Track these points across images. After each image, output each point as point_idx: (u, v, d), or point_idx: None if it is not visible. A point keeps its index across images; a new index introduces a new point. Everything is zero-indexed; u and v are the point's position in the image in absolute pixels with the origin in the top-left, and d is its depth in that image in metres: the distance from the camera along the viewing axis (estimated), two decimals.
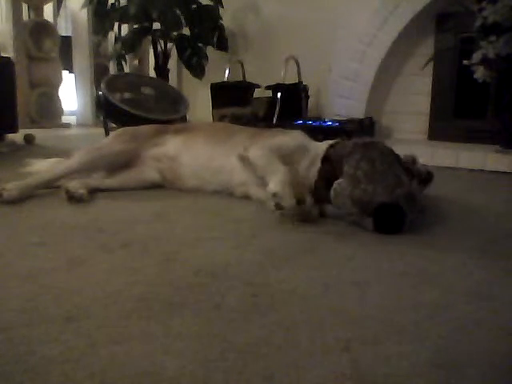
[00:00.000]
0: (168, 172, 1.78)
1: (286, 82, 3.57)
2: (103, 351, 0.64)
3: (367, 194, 1.20)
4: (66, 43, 5.66)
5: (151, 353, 0.64)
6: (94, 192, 1.64)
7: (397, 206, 1.18)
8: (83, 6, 4.85)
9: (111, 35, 5.03)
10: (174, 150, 1.79)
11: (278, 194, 1.27)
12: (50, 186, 1.62)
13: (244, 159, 1.56)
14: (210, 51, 4.68)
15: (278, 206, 1.27)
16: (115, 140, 1.84)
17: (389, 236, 1.20)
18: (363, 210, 1.21)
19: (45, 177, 1.63)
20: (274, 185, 1.31)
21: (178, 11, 4.41)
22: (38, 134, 3.72)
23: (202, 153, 1.73)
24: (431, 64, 3.25)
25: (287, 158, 1.50)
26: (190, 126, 1.98)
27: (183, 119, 3.35)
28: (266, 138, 1.61)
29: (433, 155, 2.83)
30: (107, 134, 3.20)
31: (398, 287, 0.89)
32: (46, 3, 5.29)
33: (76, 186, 1.55)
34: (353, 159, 1.28)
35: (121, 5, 4.65)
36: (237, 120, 3.37)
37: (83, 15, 5.44)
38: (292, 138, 1.61)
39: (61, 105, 5.37)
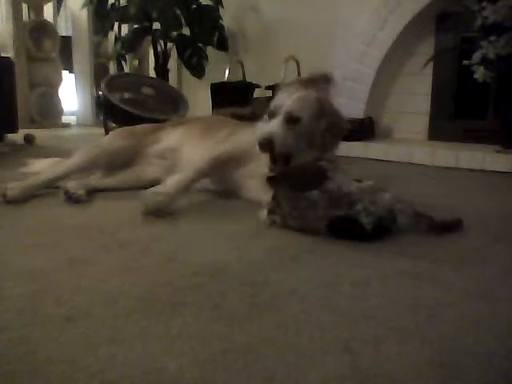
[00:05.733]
0: (171, 166, 1.79)
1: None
2: (103, 351, 0.64)
3: (310, 223, 1.20)
4: (66, 43, 5.66)
5: (151, 353, 0.64)
6: (93, 192, 1.64)
7: (332, 220, 1.16)
8: (83, 6, 4.85)
9: (111, 35, 5.04)
10: (174, 142, 1.82)
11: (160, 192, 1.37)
12: (51, 186, 1.62)
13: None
14: (210, 51, 4.68)
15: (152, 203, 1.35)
16: (114, 137, 1.86)
17: (388, 236, 1.20)
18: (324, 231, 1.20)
19: (47, 176, 1.63)
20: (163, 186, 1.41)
21: (177, 11, 4.41)
22: (38, 134, 3.72)
23: (194, 146, 1.76)
24: (431, 64, 3.25)
25: (243, 157, 1.57)
26: (187, 120, 2.02)
27: None
28: (224, 143, 1.65)
29: (433, 155, 2.83)
30: (107, 133, 3.20)
31: (398, 287, 0.89)
32: (46, 3, 5.29)
33: (75, 186, 1.55)
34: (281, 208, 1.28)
35: (121, 5, 4.65)
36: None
37: (83, 15, 5.44)
38: (246, 138, 1.63)
39: (61, 105, 5.38)
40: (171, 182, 1.42)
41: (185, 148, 1.78)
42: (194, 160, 1.72)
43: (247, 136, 1.61)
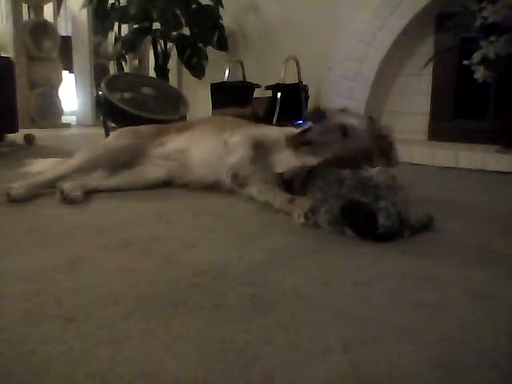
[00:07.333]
0: (177, 167, 1.80)
1: (286, 82, 3.57)
2: (103, 351, 0.64)
3: (331, 212, 1.22)
4: (66, 43, 5.66)
5: (151, 353, 0.64)
6: (92, 193, 1.64)
7: (352, 202, 1.17)
8: (83, 6, 4.85)
9: (111, 35, 5.04)
10: (182, 144, 1.82)
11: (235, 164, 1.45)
12: (53, 186, 1.62)
13: (225, 144, 1.66)
14: (210, 51, 4.69)
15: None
16: (118, 137, 1.87)
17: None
18: (339, 223, 1.21)
19: (50, 176, 1.63)
20: (232, 157, 1.50)
21: (178, 11, 4.41)
22: (38, 134, 3.72)
23: (205, 144, 1.77)
24: (431, 64, 3.25)
25: (268, 148, 1.59)
26: (193, 122, 2.02)
27: (183, 119, 3.35)
28: (249, 130, 1.69)
29: (433, 155, 2.83)
30: (107, 133, 3.20)
31: (398, 287, 0.89)
32: (46, 3, 5.29)
33: (71, 187, 1.55)
34: (312, 192, 1.31)
35: (121, 5, 4.65)
36: None
37: (83, 15, 5.44)
38: (273, 131, 1.67)
39: (61, 105, 5.38)
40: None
41: (194, 149, 1.78)
42: (207, 156, 1.75)
43: (270, 130, 1.68)
